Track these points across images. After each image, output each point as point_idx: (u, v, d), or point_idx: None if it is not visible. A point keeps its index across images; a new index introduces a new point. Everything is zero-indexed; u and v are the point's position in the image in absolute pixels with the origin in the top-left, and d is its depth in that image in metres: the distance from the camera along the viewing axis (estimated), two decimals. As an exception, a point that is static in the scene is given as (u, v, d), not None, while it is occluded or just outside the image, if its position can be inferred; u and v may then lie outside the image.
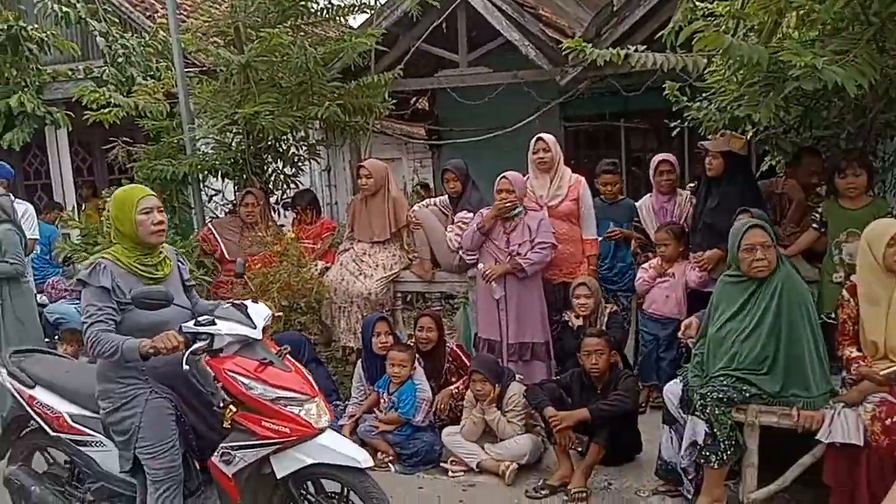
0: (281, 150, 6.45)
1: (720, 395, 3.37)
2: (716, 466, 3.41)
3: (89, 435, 3.20)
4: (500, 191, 4.75)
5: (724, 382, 3.42)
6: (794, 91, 3.57)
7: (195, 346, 2.92)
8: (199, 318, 2.99)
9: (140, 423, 2.99)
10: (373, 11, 7.24)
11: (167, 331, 2.90)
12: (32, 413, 3.38)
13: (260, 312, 3.15)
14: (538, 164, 5.02)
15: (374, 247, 5.45)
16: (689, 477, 3.63)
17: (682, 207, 5.06)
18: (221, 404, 3.05)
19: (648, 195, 5.25)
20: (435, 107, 10.69)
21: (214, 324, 2.97)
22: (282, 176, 6.53)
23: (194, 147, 6.17)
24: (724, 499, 3.50)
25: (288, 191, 6.65)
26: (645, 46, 4.71)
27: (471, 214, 5.09)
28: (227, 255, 5.62)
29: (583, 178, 5.09)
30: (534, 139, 5.09)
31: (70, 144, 9.30)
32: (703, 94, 4.79)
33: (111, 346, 2.86)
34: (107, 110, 6.23)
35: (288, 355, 3.19)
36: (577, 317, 4.74)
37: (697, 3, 4.29)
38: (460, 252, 5.15)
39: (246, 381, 2.94)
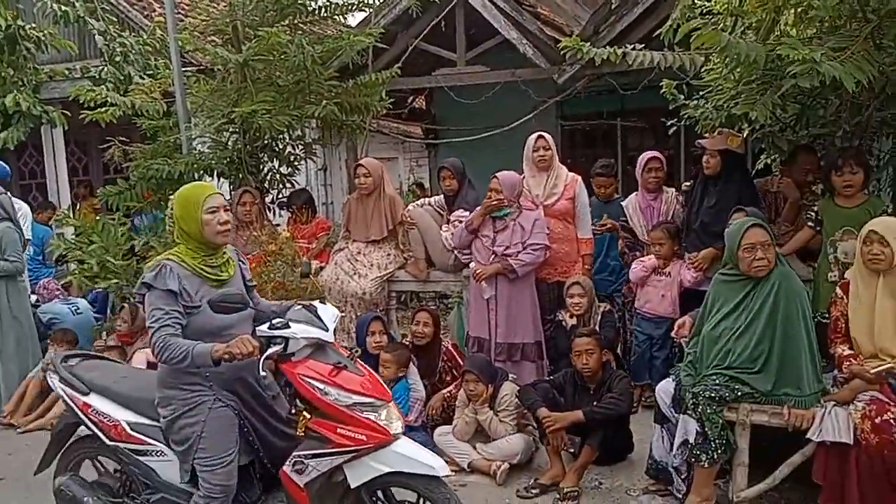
0: (277, 150, 6.45)
1: (711, 394, 3.36)
2: (706, 465, 3.39)
3: (149, 444, 3.05)
4: (490, 190, 4.74)
5: (717, 381, 3.41)
6: (791, 89, 3.56)
7: (270, 350, 2.80)
8: (274, 322, 2.85)
9: (202, 433, 2.86)
10: (371, 10, 7.25)
11: (235, 334, 2.78)
12: (87, 421, 3.22)
13: (329, 314, 3.01)
14: (538, 162, 5.00)
15: (368, 246, 5.44)
16: (682, 476, 3.62)
17: (669, 205, 5.05)
18: (293, 411, 2.94)
19: (634, 193, 5.23)
20: (432, 105, 10.69)
21: (289, 327, 2.83)
22: (277, 175, 6.53)
23: (191, 146, 6.17)
24: (713, 498, 3.49)
25: (284, 190, 6.64)
26: (643, 45, 4.69)
27: (467, 213, 5.08)
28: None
29: (579, 178, 5.07)
30: (534, 137, 5.07)
31: (66, 144, 9.30)
32: (700, 93, 4.78)
33: (181, 351, 2.72)
34: (103, 109, 6.22)
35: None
36: (571, 316, 4.72)
37: (696, 1, 4.28)
38: (455, 251, 5.14)
39: (321, 385, 2.82)
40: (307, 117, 6.03)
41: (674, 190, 5.16)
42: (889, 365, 3.23)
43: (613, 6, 7.18)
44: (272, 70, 5.91)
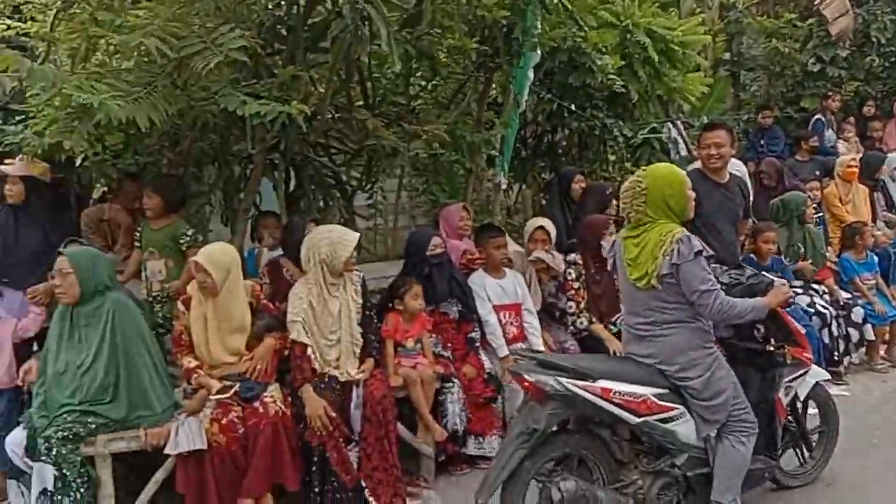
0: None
1: (66, 433, 3.30)
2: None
3: (675, 409, 3.27)
4: None
5: (69, 419, 3.35)
6: (108, 118, 3.42)
7: None
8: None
9: (734, 381, 3.29)
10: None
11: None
12: (610, 406, 3.19)
13: None
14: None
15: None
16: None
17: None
18: (770, 348, 3.55)
19: None
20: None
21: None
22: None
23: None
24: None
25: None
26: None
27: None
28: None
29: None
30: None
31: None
32: (21, 117, 4.36)
33: (746, 308, 3.22)
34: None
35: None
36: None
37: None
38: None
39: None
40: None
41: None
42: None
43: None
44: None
